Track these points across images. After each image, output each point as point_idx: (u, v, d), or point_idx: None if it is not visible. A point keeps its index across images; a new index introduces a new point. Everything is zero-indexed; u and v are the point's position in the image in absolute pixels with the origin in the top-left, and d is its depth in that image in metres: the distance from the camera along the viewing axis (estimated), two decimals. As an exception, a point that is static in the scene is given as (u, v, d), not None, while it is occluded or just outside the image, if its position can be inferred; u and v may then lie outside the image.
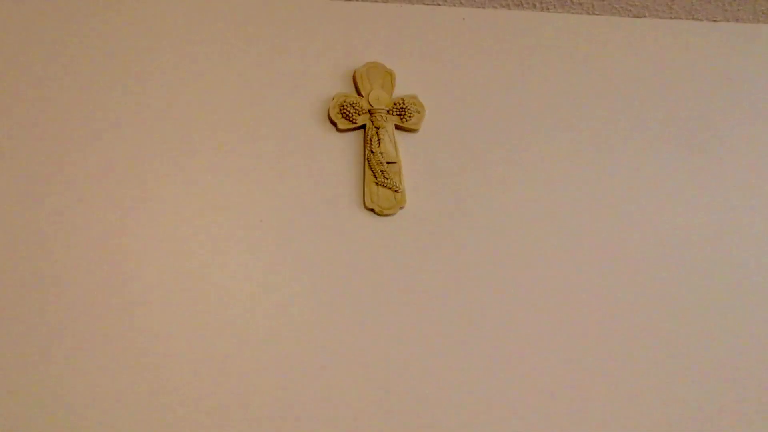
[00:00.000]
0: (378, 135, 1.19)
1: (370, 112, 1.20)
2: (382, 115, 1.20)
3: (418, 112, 1.22)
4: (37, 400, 1.00)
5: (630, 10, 1.36)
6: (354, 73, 1.22)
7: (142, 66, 1.17)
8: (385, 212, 1.17)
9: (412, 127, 1.22)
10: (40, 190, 1.08)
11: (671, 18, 1.39)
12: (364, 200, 1.17)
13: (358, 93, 1.22)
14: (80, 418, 1.00)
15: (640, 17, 1.38)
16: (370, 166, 1.18)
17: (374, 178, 1.17)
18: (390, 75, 1.23)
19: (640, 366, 1.17)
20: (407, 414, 1.08)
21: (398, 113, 1.21)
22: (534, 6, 1.33)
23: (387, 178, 1.17)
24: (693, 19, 1.40)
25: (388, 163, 1.18)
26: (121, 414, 1.01)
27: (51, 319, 1.03)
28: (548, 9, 1.34)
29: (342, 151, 1.20)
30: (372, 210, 1.17)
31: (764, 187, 1.31)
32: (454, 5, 1.31)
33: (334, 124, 1.20)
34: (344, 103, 1.19)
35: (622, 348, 1.17)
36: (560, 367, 1.15)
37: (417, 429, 1.08)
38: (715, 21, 1.41)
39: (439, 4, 1.30)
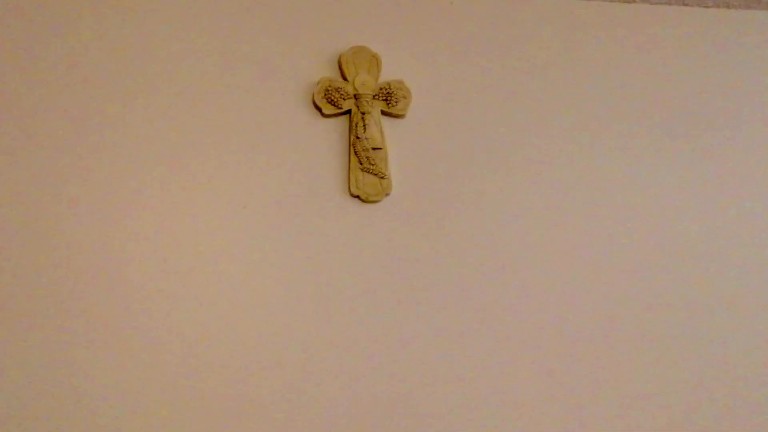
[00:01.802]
0: (364, 120, 1.17)
1: (355, 97, 1.18)
2: (368, 100, 1.18)
3: (405, 98, 1.20)
4: (39, 397, 0.98)
5: (620, -5, 1.34)
6: (339, 58, 1.20)
7: (128, 55, 1.14)
8: (371, 199, 1.15)
9: (399, 112, 1.20)
10: (39, 186, 1.06)
11: (662, 4, 1.37)
12: (349, 187, 1.15)
13: (344, 78, 1.20)
14: (78, 414, 0.98)
15: (630, 2, 1.36)
16: (355, 152, 1.16)
17: (360, 165, 1.15)
18: (376, 59, 1.21)
19: (632, 360, 1.16)
20: (394, 404, 1.07)
21: (384, 98, 1.19)
22: (523, -10, 1.31)
23: (373, 165, 1.15)
24: (684, 5, 1.38)
25: (373, 149, 1.16)
26: (115, 404, 1.00)
27: (51, 309, 1.01)
28: (537, -7, 1.32)
29: (327, 136, 1.18)
30: (357, 197, 1.15)
31: (758, 177, 1.30)
32: (442, -11, 1.29)
33: (318, 109, 1.18)
34: (329, 88, 1.17)
35: (612, 342, 1.17)
36: (550, 357, 1.14)
37: (404, 421, 1.06)
38: (706, 7, 1.39)
39: (426, -12, 1.28)
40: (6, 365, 0.98)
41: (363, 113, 1.17)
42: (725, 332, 1.20)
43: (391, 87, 1.20)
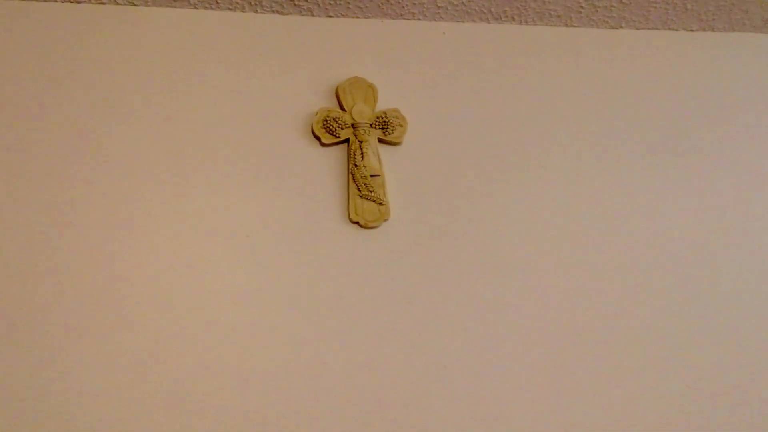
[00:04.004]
0: (361, 149, 1.20)
1: (353, 126, 1.22)
2: (365, 128, 1.21)
3: (401, 126, 1.24)
4: (34, 404, 1.00)
5: (607, 22, 1.38)
6: (337, 88, 1.24)
7: (132, 85, 1.18)
8: (370, 225, 1.18)
9: (395, 140, 1.23)
10: (41, 201, 1.09)
11: (648, 29, 1.41)
12: (348, 213, 1.18)
13: (341, 107, 1.23)
14: (75, 421, 1.01)
15: (617, 28, 1.40)
16: (354, 179, 1.19)
17: (358, 192, 1.18)
18: (372, 89, 1.25)
19: (623, 376, 1.18)
20: (393, 424, 1.09)
21: (381, 127, 1.23)
22: (513, 19, 1.35)
23: (371, 191, 1.18)
24: (669, 29, 1.42)
25: (371, 176, 1.19)
26: (115, 417, 1.01)
27: (51, 326, 1.04)
28: (527, 22, 1.36)
29: (326, 165, 1.21)
30: (357, 223, 1.18)
31: (740, 191, 1.33)
32: (435, 20, 1.33)
33: (317, 138, 1.21)
34: (327, 118, 1.21)
35: (606, 365, 1.18)
36: (551, 378, 1.15)
37: (405, 440, 1.09)
38: (691, 31, 1.43)
39: (419, 19, 1.32)
40: (4, 374, 1.01)
41: (360, 142, 1.21)
42: (722, 333, 1.22)
43: (388, 116, 1.23)
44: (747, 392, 1.20)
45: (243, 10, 1.26)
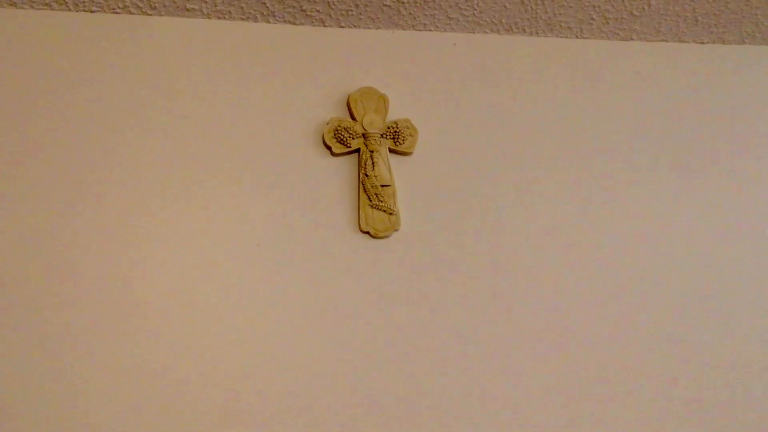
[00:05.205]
0: (372, 158, 1.21)
1: (364, 136, 1.22)
2: (376, 138, 1.22)
3: (412, 136, 1.24)
4: (41, 402, 1.00)
5: (618, 34, 1.39)
6: (348, 98, 1.24)
7: (145, 94, 1.19)
8: (380, 235, 1.18)
9: (406, 150, 1.23)
10: (48, 208, 1.09)
11: (659, 41, 1.41)
12: (359, 223, 1.18)
13: (352, 117, 1.24)
14: (81, 420, 1.01)
15: (627, 40, 1.40)
16: (364, 189, 1.19)
17: (369, 201, 1.19)
18: (383, 99, 1.25)
19: (624, 391, 1.17)
20: (405, 431, 1.09)
21: (392, 137, 1.23)
22: (524, 30, 1.35)
23: (381, 201, 1.18)
24: (680, 41, 1.42)
25: (382, 186, 1.19)
26: (124, 421, 1.02)
27: (60, 331, 1.04)
28: (538, 33, 1.36)
29: (337, 174, 1.21)
30: (367, 233, 1.18)
31: (750, 205, 1.32)
32: (445, 31, 1.33)
33: (328, 148, 1.21)
34: (339, 128, 1.21)
35: (614, 378, 1.18)
36: (561, 387, 1.15)
37: (414, 451, 1.08)
38: (701, 43, 1.43)
39: (430, 30, 1.33)
40: (10, 372, 1.01)
41: (371, 151, 1.21)
42: (726, 339, 1.22)
43: (399, 126, 1.23)
44: (750, 394, 1.19)
45: (255, 20, 1.26)
